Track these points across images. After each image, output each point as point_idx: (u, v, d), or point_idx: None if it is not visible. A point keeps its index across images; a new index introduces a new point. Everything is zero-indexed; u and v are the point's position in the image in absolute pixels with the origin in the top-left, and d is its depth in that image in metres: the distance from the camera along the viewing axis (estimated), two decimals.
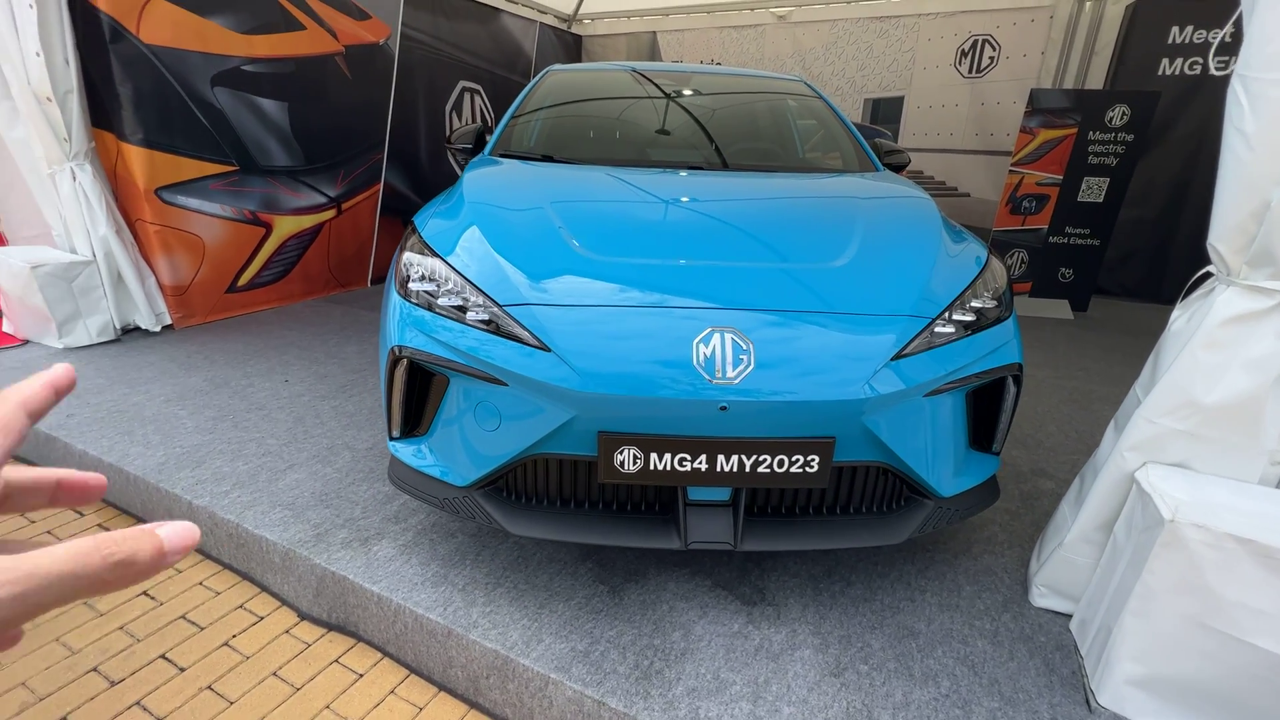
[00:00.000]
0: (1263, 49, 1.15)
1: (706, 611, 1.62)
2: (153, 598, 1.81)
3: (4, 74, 3.04)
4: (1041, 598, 1.66)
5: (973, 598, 1.71)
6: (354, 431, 2.50)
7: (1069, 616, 1.62)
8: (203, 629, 1.72)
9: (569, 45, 7.33)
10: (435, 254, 1.63)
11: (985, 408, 1.66)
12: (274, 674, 1.58)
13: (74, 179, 3.19)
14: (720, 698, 1.37)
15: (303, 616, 1.78)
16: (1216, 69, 4.93)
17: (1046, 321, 4.74)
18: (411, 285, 1.60)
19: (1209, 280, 1.38)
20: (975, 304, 1.62)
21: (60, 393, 0.36)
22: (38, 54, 2.94)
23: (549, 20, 6.88)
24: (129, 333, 3.54)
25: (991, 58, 5.78)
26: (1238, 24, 1.28)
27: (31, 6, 2.87)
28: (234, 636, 1.69)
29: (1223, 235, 1.27)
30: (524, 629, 1.53)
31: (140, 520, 2.17)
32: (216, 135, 3.76)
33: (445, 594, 1.63)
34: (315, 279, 4.57)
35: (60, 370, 0.37)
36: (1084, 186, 4.86)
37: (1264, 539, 1.14)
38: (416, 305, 1.56)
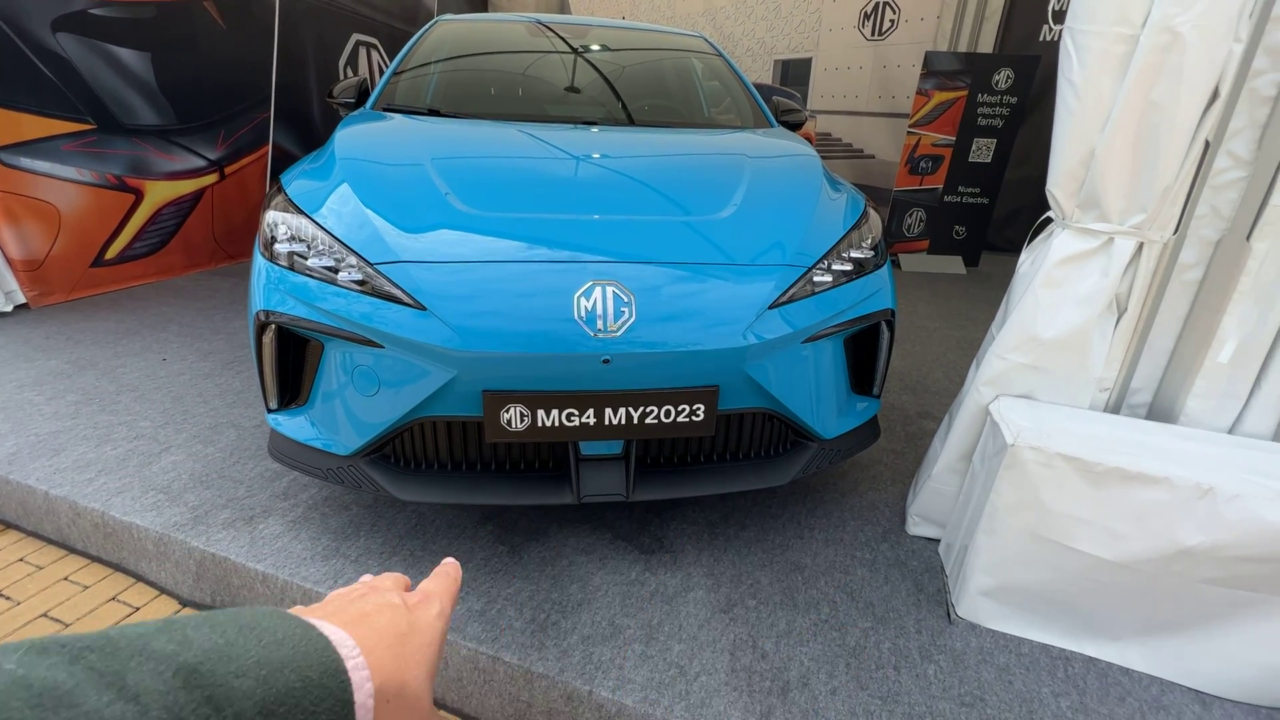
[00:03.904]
0: (1084, 1, 1.24)
1: (605, 563, 1.65)
2: (7, 597, 1.66)
3: None
4: (915, 526, 1.80)
5: (855, 531, 1.83)
6: (240, 409, 2.35)
7: (938, 541, 1.77)
8: (68, 625, 1.59)
9: None
10: (302, 212, 1.53)
11: (864, 353, 1.75)
12: None
13: None
14: (614, 642, 1.41)
15: (185, 603, 1.69)
16: None
17: (942, 277, 5.03)
18: (277, 246, 1.50)
19: (1050, 225, 1.50)
20: (853, 254, 1.68)
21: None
22: None
23: None
24: None
25: (892, 21, 5.95)
26: None
27: None
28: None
29: (1058, 181, 1.38)
30: None
31: None
32: (65, 89, 3.34)
33: (337, 566, 1.59)
34: (199, 250, 4.22)
35: (451, 566, 0.50)
36: (974, 147, 5.13)
37: (1087, 456, 1.27)
38: (283, 266, 1.47)
